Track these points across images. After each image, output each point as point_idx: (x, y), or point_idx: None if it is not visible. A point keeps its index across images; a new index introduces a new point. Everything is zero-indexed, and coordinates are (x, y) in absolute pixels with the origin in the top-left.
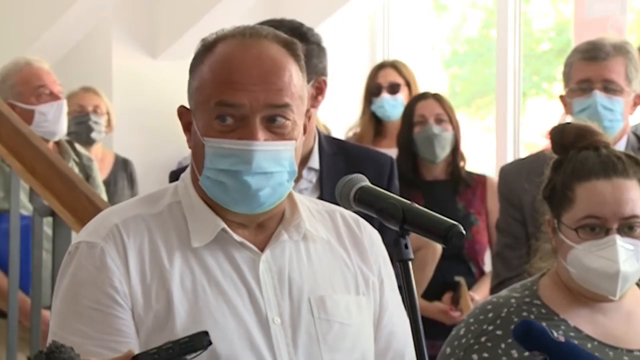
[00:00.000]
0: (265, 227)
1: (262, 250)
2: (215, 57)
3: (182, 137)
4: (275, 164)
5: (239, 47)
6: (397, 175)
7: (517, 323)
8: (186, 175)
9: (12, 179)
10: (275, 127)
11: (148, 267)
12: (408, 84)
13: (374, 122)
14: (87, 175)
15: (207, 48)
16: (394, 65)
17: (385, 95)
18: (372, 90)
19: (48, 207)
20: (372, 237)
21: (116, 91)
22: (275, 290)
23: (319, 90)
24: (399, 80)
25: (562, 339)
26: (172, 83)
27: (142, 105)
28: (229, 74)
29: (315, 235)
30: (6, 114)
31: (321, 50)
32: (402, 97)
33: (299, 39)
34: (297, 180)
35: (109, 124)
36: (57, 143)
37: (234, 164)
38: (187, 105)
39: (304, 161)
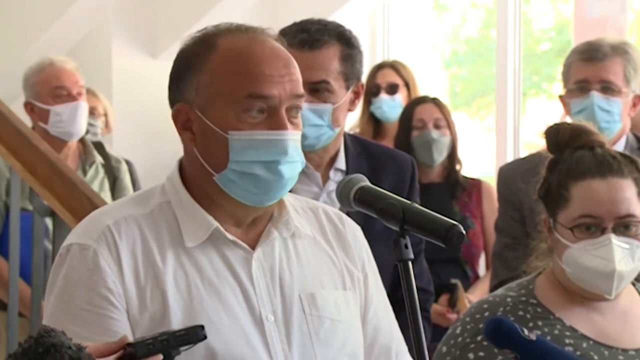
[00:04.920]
0: (255, 225)
1: (252, 248)
2: (228, 52)
3: None
4: (297, 154)
5: (250, 41)
6: (417, 176)
7: (489, 321)
8: (173, 175)
9: (12, 179)
10: (293, 117)
11: (141, 267)
12: (407, 85)
13: (372, 123)
14: (115, 177)
15: (206, 44)
16: (393, 66)
17: (383, 96)
18: (371, 91)
19: (48, 207)
20: (355, 232)
21: (116, 91)
22: (267, 287)
23: (356, 94)
24: (397, 80)
25: (533, 336)
26: None
27: (142, 105)
28: (256, 67)
29: (301, 232)
30: (6, 114)
31: (361, 55)
32: (400, 98)
33: (343, 43)
34: (324, 182)
35: (106, 125)
36: (83, 144)
37: (271, 154)
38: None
39: (330, 162)
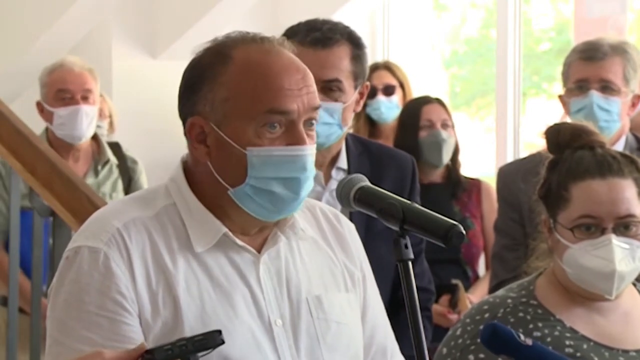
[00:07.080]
0: (262, 231)
1: (259, 251)
2: (245, 65)
3: (182, 137)
4: (313, 168)
5: (266, 53)
6: (417, 175)
7: (484, 327)
8: (178, 177)
9: (12, 179)
10: (309, 130)
11: (152, 272)
12: (402, 85)
13: (368, 124)
14: (130, 177)
15: (220, 55)
16: (387, 67)
17: (380, 97)
18: (367, 92)
19: (48, 207)
20: (351, 230)
21: (116, 91)
22: (275, 291)
23: (361, 94)
24: (393, 81)
25: (529, 342)
26: (172, 83)
27: (142, 105)
28: (276, 81)
29: (304, 234)
30: (6, 114)
31: (367, 56)
32: (396, 99)
33: (353, 43)
34: (327, 180)
35: (110, 125)
36: (97, 143)
37: (290, 171)
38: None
39: (332, 161)
